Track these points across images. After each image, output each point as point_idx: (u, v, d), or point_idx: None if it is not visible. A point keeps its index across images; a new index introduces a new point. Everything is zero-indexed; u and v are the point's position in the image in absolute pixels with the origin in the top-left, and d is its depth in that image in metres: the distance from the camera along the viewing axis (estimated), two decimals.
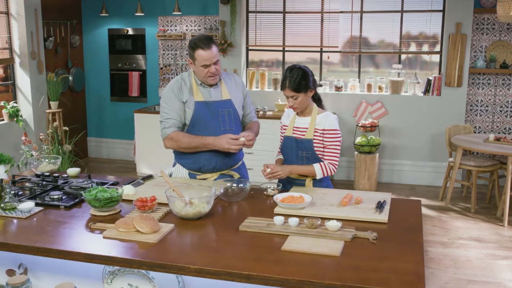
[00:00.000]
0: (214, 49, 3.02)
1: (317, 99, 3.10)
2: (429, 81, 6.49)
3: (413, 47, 6.70)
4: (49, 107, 6.70)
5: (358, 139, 6.35)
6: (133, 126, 7.00)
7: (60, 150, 6.30)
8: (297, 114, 3.10)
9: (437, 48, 6.55)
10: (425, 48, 6.62)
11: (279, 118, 6.12)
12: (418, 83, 6.58)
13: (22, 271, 2.50)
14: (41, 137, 5.94)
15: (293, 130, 3.09)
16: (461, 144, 5.50)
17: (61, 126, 6.60)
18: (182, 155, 3.23)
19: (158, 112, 6.82)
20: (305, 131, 3.04)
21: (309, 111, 3.05)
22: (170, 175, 3.29)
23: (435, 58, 6.64)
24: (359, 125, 6.49)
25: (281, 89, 3.00)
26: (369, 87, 6.71)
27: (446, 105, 6.42)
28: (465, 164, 5.67)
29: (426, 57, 6.72)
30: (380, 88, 6.71)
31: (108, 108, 7.88)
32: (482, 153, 6.28)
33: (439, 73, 6.55)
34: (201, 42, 3.01)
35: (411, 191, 6.41)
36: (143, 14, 7.21)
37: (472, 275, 4.12)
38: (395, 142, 6.67)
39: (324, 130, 3.00)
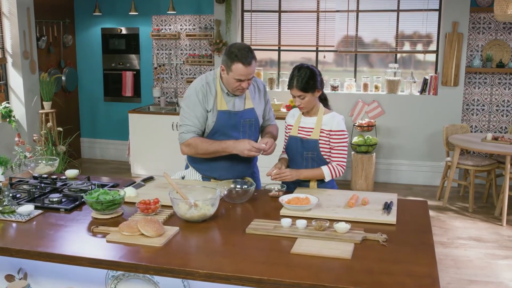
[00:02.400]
0: (253, 65, 2.84)
1: (324, 99, 3.04)
2: (425, 80, 6.48)
3: (408, 46, 6.68)
4: (42, 108, 6.60)
5: (355, 139, 6.32)
6: (127, 126, 6.92)
7: (54, 151, 6.20)
8: (303, 113, 3.05)
9: (433, 47, 6.54)
10: (421, 47, 6.61)
11: (276, 118, 6.08)
12: (415, 82, 6.56)
13: (21, 276, 2.43)
14: (34, 138, 5.84)
15: (299, 130, 3.04)
16: (459, 144, 5.48)
17: (54, 127, 6.50)
18: (196, 159, 3.10)
19: (152, 112, 6.82)
20: (311, 131, 2.98)
21: (315, 111, 3.00)
22: (183, 178, 3.18)
23: (430, 57, 6.63)
24: (356, 124, 6.46)
25: (288, 88, 2.94)
26: (365, 86, 6.69)
27: (443, 104, 6.41)
28: (462, 163, 5.66)
29: (421, 56, 6.71)
30: (376, 87, 6.68)
31: (102, 108, 7.78)
32: (479, 152, 6.27)
33: (436, 73, 6.54)
34: (242, 56, 2.80)
35: (408, 191, 6.38)
36: (137, 13, 7.12)
37: (473, 275, 4.11)
38: (392, 142, 6.65)
39: (330, 131, 2.95)
